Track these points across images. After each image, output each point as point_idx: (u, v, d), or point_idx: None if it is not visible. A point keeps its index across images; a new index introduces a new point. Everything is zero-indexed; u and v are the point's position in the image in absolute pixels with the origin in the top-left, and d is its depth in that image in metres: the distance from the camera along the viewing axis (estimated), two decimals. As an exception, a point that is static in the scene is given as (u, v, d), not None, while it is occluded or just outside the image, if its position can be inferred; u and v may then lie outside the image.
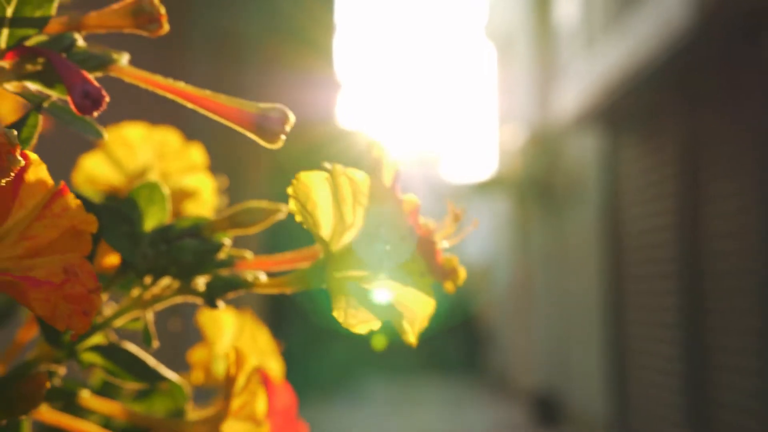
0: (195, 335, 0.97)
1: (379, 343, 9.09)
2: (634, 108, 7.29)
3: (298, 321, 9.10)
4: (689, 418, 6.34)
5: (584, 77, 7.92)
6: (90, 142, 0.87)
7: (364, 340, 12.81)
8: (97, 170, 0.89)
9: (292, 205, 0.60)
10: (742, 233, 5.52)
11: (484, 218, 13.79)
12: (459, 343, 14.92)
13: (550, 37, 10.58)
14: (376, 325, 0.62)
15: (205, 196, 0.90)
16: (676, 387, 6.61)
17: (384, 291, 0.61)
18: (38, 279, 0.55)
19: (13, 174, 0.51)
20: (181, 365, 0.93)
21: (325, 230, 0.61)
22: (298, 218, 0.60)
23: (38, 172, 0.55)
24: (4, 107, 0.90)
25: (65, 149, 1.01)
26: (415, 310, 0.61)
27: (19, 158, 0.51)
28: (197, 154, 0.91)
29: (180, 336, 0.79)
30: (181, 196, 0.87)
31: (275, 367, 0.91)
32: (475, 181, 12.19)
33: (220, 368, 0.95)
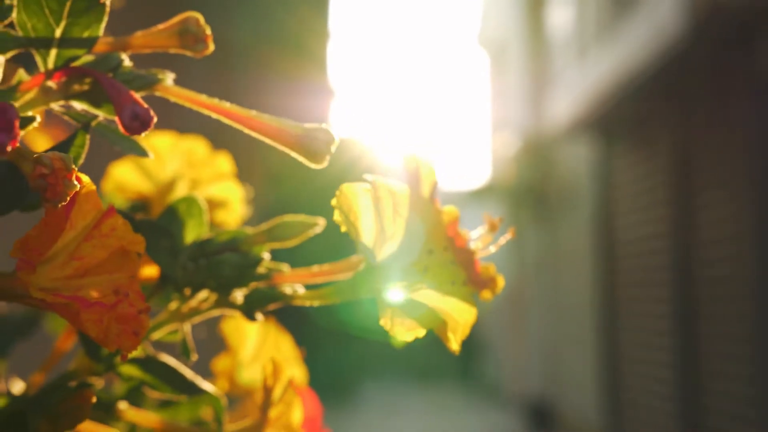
0: (215, 344, 0.98)
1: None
2: (627, 116, 7.32)
3: (291, 327, 9.06)
4: (682, 425, 6.36)
5: (577, 85, 7.95)
6: (116, 151, 0.88)
7: (358, 346, 12.81)
8: (126, 178, 0.90)
9: (336, 215, 0.61)
10: (735, 240, 5.55)
11: (477, 226, 13.76)
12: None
13: (543, 45, 10.61)
14: (421, 333, 0.63)
15: (233, 205, 0.91)
16: (670, 394, 6.63)
17: (427, 300, 0.63)
18: (89, 300, 0.56)
19: (68, 198, 0.52)
20: (203, 373, 0.95)
21: (368, 240, 0.62)
22: (343, 229, 0.61)
23: (89, 193, 0.56)
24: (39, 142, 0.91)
25: (93, 157, 1.02)
26: (457, 318, 0.63)
27: (75, 183, 0.52)
28: (225, 162, 0.92)
29: (202, 344, 0.80)
30: (210, 204, 0.88)
31: (299, 374, 0.92)
32: (469, 188, 12.21)
33: (243, 376, 0.96)
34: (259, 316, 0.69)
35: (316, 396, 0.90)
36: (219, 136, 0.98)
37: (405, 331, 0.63)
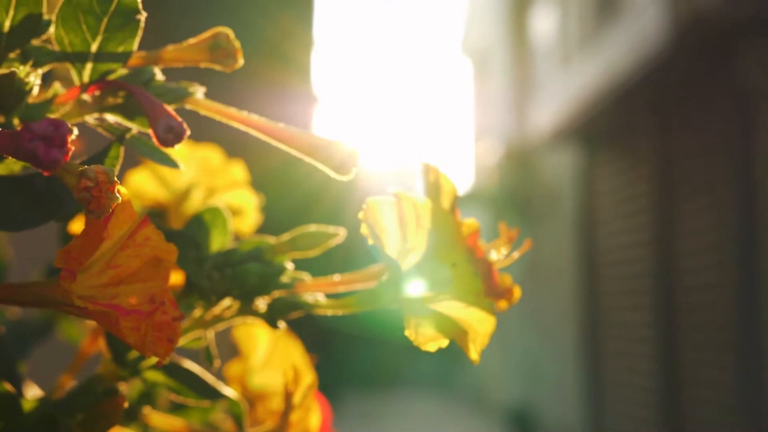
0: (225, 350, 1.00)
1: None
2: (609, 124, 7.37)
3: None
4: (664, 432, 6.40)
5: (560, 94, 7.99)
6: (135, 159, 0.90)
7: (339, 353, 12.80)
8: (143, 186, 0.91)
9: (363, 229, 0.63)
10: (716, 249, 5.59)
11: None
12: (434, 357, 14.94)
13: (526, 53, 10.66)
14: (444, 343, 0.65)
15: (247, 212, 0.93)
16: (651, 401, 6.67)
17: (449, 310, 0.65)
18: (127, 308, 0.57)
19: (111, 210, 0.54)
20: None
21: (392, 252, 0.64)
22: (370, 241, 0.63)
23: (125, 204, 0.58)
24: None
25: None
26: (477, 328, 0.65)
27: (118, 195, 0.53)
28: (239, 171, 0.94)
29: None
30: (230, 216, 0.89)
31: (309, 380, 0.94)
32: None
33: (254, 382, 0.98)
34: (282, 324, 0.71)
35: (326, 401, 0.92)
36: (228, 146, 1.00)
37: (428, 341, 0.65)
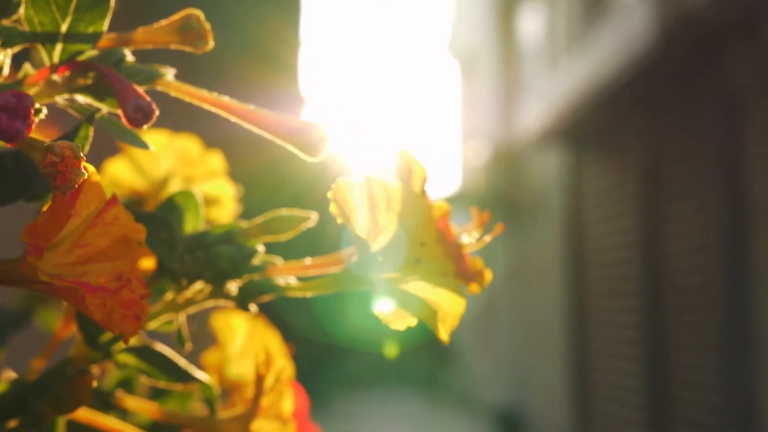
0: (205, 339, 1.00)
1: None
2: (597, 126, 7.38)
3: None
4: (651, 433, 6.42)
5: (547, 95, 8.01)
6: (111, 148, 0.90)
7: (326, 355, 12.80)
8: (121, 175, 0.92)
9: (331, 208, 0.63)
10: (704, 250, 5.60)
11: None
12: (422, 358, 14.96)
13: (513, 54, 10.68)
14: (412, 322, 0.65)
15: (225, 202, 0.93)
16: (638, 402, 6.68)
17: (418, 291, 0.65)
18: (94, 285, 0.58)
19: (76, 186, 0.54)
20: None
21: (362, 232, 0.65)
22: (338, 221, 0.64)
23: (93, 182, 0.58)
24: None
25: (89, 153, 1.04)
26: (447, 309, 0.65)
27: (84, 171, 0.53)
28: (217, 160, 0.94)
29: (193, 339, 0.82)
30: (203, 201, 0.89)
31: (282, 365, 0.94)
32: (439, 196, 12.24)
33: (232, 370, 0.98)
34: (253, 307, 0.71)
35: (303, 390, 0.92)
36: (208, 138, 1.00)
37: (397, 321, 0.65)
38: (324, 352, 12.55)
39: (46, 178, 0.51)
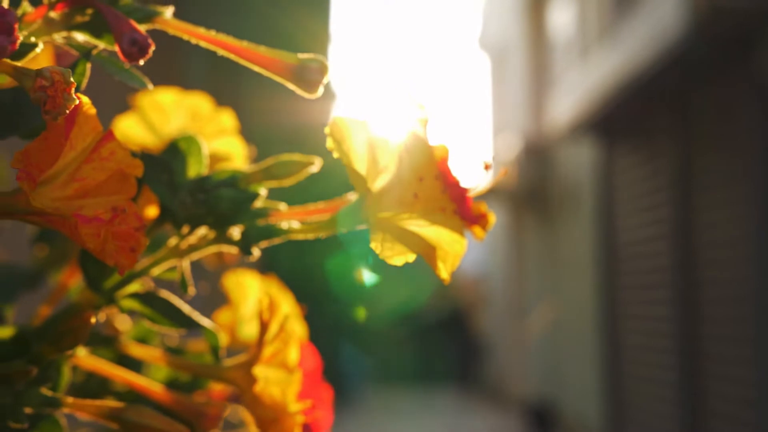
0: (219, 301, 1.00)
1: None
2: (628, 118, 7.33)
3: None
4: (684, 428, 6.36)
5: (578, 87, 7.96)
6: (123, 106, 0.90)
7: (359, 348, 12.81)
8: (131, 132, 0.91)
9: (329, 143, 0.63)
10: (736, 242, 5.55)
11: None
12: (454, 352, 14.93)
13: (544, 47, 10.63)
14: (411, 257, 0.65)
15: (235, 160, 0.92)
16: (671, 396, 6.63)
17: (417, 227, 0.64)
18: (88, 216, 0.57)
19: (68, 112, 0.54)
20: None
21: (360, 169, 0.64)
22: (335, 155, 0.63)
23: (88, 115, 0.58)
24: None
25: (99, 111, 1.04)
26: (447, 248, 0.64)
27: (74, 97, 0.53)
28: (228, 118, 0.94)
29: (204, 300, 0.82)
30: (214, 159, 0.89)
31: (299, 330, 0.93)
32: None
33: (244, 331, 0.97)
34: (256, 251, 0.71)
35: (316, 350, 0.92)
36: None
37: (394, 256, 0.64)
38: (357, 347, 12.57)
39: (36, 103, 0.51)
